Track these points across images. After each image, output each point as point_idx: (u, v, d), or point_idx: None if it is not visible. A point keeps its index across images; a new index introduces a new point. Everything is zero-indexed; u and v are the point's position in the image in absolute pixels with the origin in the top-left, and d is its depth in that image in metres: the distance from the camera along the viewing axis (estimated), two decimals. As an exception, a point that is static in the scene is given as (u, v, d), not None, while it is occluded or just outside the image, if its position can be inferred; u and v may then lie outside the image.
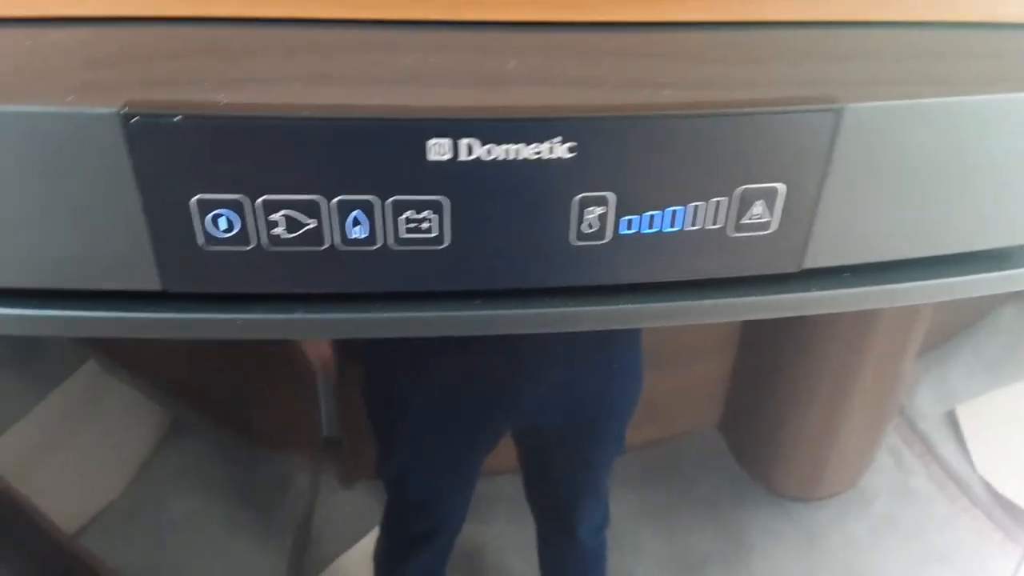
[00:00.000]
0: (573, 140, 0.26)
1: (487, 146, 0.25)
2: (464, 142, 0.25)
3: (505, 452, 0.41)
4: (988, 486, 0.52)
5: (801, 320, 0.38)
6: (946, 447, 0.49)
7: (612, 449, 0.43)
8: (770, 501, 0.48)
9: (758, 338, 0.39)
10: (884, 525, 0.51)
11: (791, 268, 0.30)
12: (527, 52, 0.29)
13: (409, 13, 0.30)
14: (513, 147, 0.26)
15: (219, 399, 0.38)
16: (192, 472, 0.41)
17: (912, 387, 0.45)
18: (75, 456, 0.40)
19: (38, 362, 0.36)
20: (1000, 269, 0.33)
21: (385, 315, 0.29)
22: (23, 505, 0.40)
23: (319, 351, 0.35)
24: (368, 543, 0.44)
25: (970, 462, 0.50)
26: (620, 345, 0.38)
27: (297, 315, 0.28)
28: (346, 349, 0.36)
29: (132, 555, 0.44)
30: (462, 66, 0.29)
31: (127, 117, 0.24)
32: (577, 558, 0.48)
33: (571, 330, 0.32)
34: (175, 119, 0.24)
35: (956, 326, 0.42)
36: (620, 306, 0.30)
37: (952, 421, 0.48)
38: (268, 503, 0.43)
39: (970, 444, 0.49)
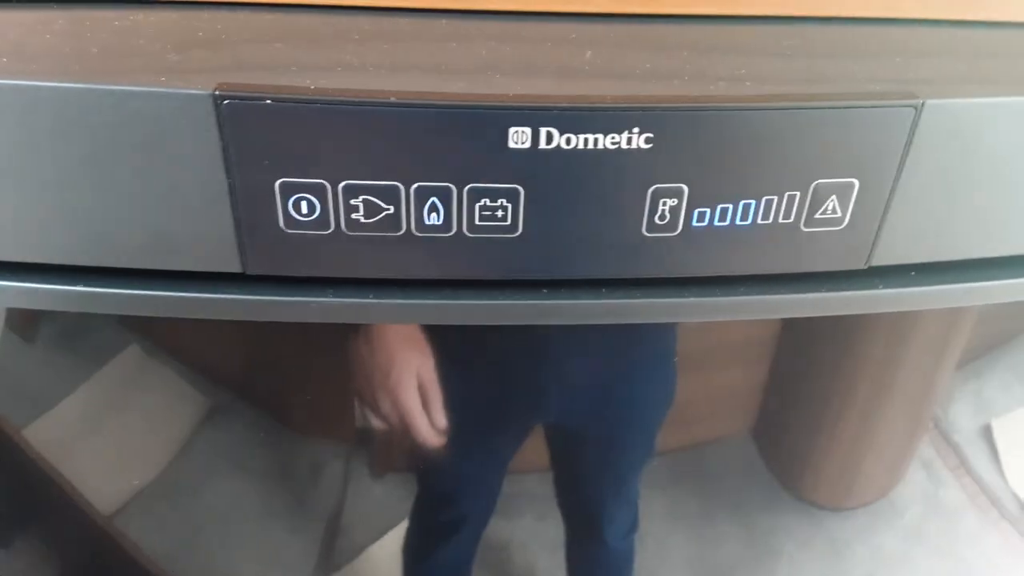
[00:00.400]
0: (651, 131, 0.26)
1: (566, 135, 0.26)
2: (544, 131, 0.25)
3: (535, 450, 0.41)
4: (1020, 501, 0.52)
5: (837, 327, 0.38)
6: (979, 461, 0.48)
7: (642, 452, 0.43)
8: (799, 509, 0.48)
9: (793, 345, 0.38)
10: (913, 537, 0.51)
11: (858, 265, 0.30)
12: (602, 43, 0.29)
13: (480, 4, 0.31)
14: (592, 136, 0.26)
15: (258, 386, 0.39)
16: (228, 457, 0.41)
17: (947, 399, 0.44)
18: (114, 438, 0.40)
19: (81, 344, 0.36)
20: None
21: (455, 302, 0.29)
22: (62, 484, 0.40)
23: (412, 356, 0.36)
24: (398, 534, 0.44)
25: (1003, 476, 0.50)
26: (654, 348, 0.38)
27: (370, 299, 0.29)
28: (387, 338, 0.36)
29: (167, 537, 0.44)
30: (537, 56, 0.29)
31: (220, 98, 0.24)
32: (605, 562, 0.48)
33: (636, 322, 0.32)
34: (266, 102, 0.24)
35: (993, 339, 0.42)
36: (687, 299, 0.31)
37: (987, 435, 0.48)
38: (302, 490, 0.43)
39: (1004, 458, 0.49)
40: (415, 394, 0.36)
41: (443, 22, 0.30)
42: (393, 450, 0.41)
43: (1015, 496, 0.51)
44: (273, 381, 0.39)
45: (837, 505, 0.49)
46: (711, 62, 0.29)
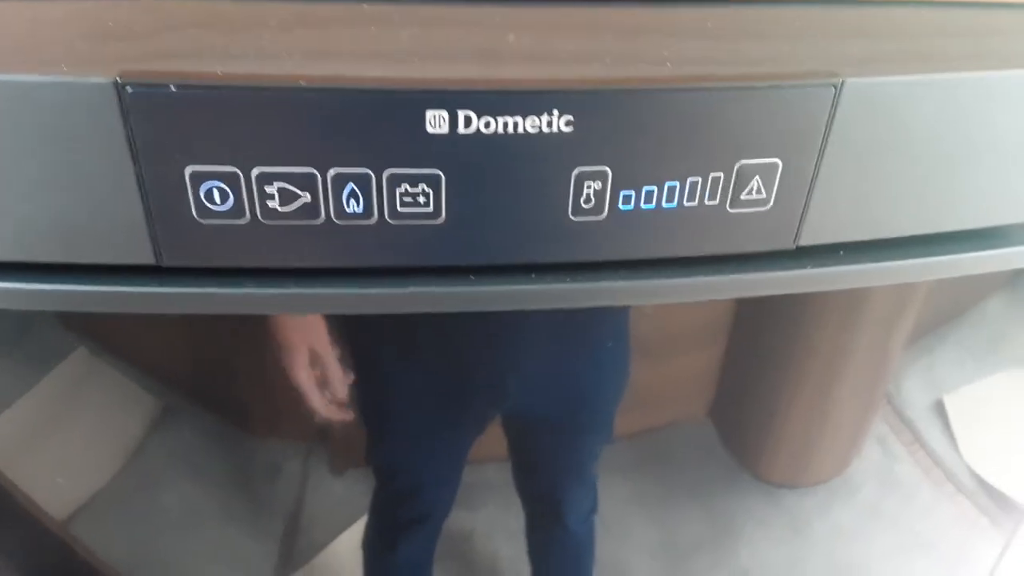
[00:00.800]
0: (572, 113, 0.26)
1: (485, 118, 0.25)
2: (462, 114, 0.25)
3: (494, 440, 0.41)
4: (974, 474, 0.53)
5: (789, 308, 0.38)
6: (933, 435, 0.49)
7: (600, 436, 0.43)
8: (758, 488, 0.48)
9: (747, 326, 0.39)
10: (870, 512, 0.52)
11: (786, 245, 0.30)
12: (526, 26, 0.29)
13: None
14: (512, 119, 0.25)
15: (211, 386, 0.38)
16: (183, 459, 0.41)
17: (899, 376, 0.45)
18: (66, 442, 0.40)
19: (28, 347, 0.35)
20: (996, 247, 0.33)
21: (379, 291, 0.29)
22: (14, 491, 0.39)
23: (306, 335, 0.35)
24: (358, 530, 0.44)
25: (957, 450, 0.51)
26: (607, 330, 0.38)
27: (291, 290, 0.28)
28: (334, 327, 0.35)
29: (123, 541, 0.44)
30: (459, 40, 0.28)
31: (122, 86, 0.23)
32: (565, 545, 0.48)
33: (566, 306, 0.32)
34: (171, 89, 0.23)
35: (944, 316, 0.42)
36: (616, 283, 0.30)
37: (939, 410, 0.48)
38: (259, 490, 0.43)
39: (957, 432, 0.50)
40: (307, 373, 0.35)
41: (365, 7, 0.30)
42: (352, 448, 0.41)
43: (969, 470, 0.52)
44: (224, 380, 0.38)
45: (795, 483, 0.49)
46: (634, 44, 0.29)
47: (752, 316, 0.38)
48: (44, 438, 0.39)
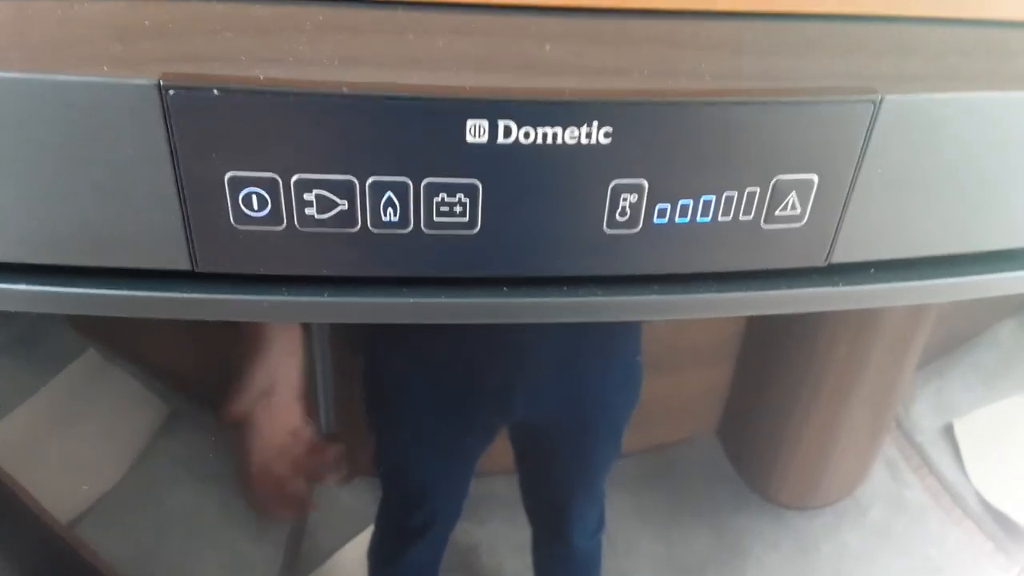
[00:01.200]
0: (610, 125, 0.26)
1: (525, 128, 0.25)
2: (503, 124, 0.25)
3: (502, 453, 0.41)
4: (983, 499, 0.53)
5: (801, 328, 0.38)
6: (942, 460, 0.49)
7: (608, 451, 0.43)
8: (766, 509, 0.48)
9: (758, 345, 0.39)
10: (878, 535, 0.52)
11: (818, 262, 0.30)
12: (562, 37, 0.29)
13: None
14: (551, 130, 0.25)
15: (217, 391, 0.38)
16: (189, 463, 0.41)
17: (909, 399, 0.45)
18: (73, 444, 0.40)
19: (38, 349, 0.35)
20: (1024, 269, 0.33)
21: (411, 300, 0.29)
22: (20, 492, 0.39)
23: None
24: (364, 539, 0.44)
25: (965, 475, 0.51)
26: (619, 345, 0.38)
27: (324, 298, 0.28)
28: (347, 337, 0.35)
29: (128, 545, 0.43)
30: (497, 49, 0.28)
31: (165, 88, 0.23)
32: (571, 561, 0.48)
33: (596, 320, 0.31)
34: (214, 92, 0.23)
35: (954, 340, 0.42)
36: (647, 297, 0.30)
37: (949, 434, 0.48)
38: None
39: (966, 457, 0.50)
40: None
41: (400, 13, 0.30)
42: (359, 456, 0.41)
43: (978, 495, 0.52)
44: (231, 385, 0.38)
45: (803, 505, 0.49)
46: (672, 57, 0.29)
47: (764, 336, 0.38)
48: (51, 440, 0.39)
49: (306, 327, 0.33)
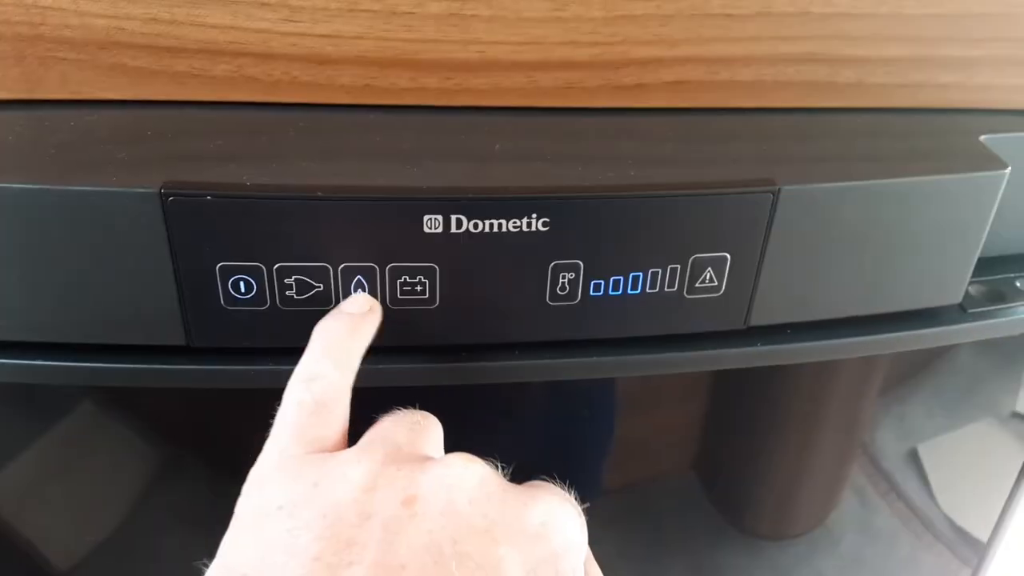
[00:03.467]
0: (547, 216, 0.30)
1: (474, 220, 0.30)
2: (454, 217, 0.29)
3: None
4: (951, 522, 0.55)
5: (760, 371, 0.42)
6: (908, 484, 0.51)
7: (588, 491, 0.45)
8: (742, 541, 0.50)
9: (725, 385, 0.42)
10: (852, 563, 0.54)
11: (738, 325, 0.34)
12: (511, 134, 0.33)
13: (406, 99, 0.35)
14: (496, 221, 0.30)
15: (211, 442, 0.41)
16: (182, 513, 0.43)
17: (874, 427, 0.48)
18: (70, 493, 0.41)
19: (36, 400, 0.37)
20: (928, 327, 0.37)
21: (379, 367, 0.33)
22: (19, 540, 0.41)
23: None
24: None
25: (933, 499, 0.53)
26: (588, 392, 0.41)
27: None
28: None
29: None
30: (454, 146, 0.33)
31: (166, 195, 0.27)
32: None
33: (547, 379, 0.35)
34: (207, 198, 0.28)
35: (915, 367, 0.45)
36: (590, 359, 0.34)
37: (914, 459, 0.50)
38: None
39: (933, 481, 0.52)
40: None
41: (370, 116, 0.34)
42: None
43: (945, 516, 0.54)
44: (225, 437, 0.41)
45: (778, 536, 0.52)
46: (604, 148, 0.33)
47: (728, 378, 0.41)
48: (49, 488, 0.41)
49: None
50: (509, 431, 0.42)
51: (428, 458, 0.25)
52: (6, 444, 0.38)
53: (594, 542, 0.47)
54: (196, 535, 0.43)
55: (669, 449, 0.46)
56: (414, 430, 0.27)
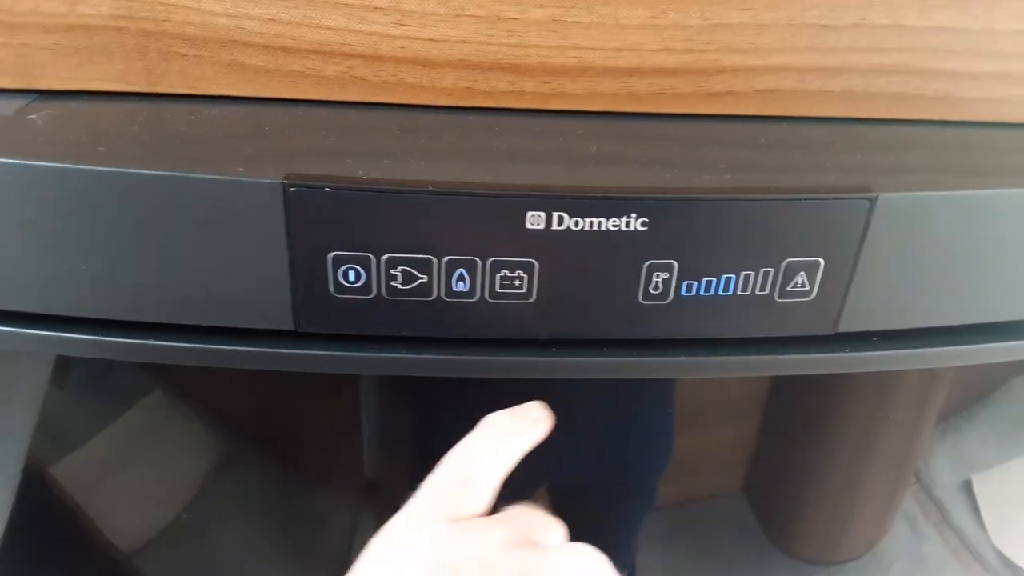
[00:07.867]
0: (646, 216, 0.31)
1: (575, 218, 0.30)
2: (556, 214, 0.30)
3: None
4: (1001, 555, 0.54)
5: (823, 388, 0.42)
6: (960, 515, 0.51)
7: (642, 503, 0.46)
8: (789, 564, 0.50)
9: (781, 405, 0.42)
10: None
11: (827, 331, 0.35)
12: (605, 137, 0.34)
13: (504, 102, 0.36)
14: (596, 220, 0.31)
15: (271, 435, 0.42)
16: (242, 501, 0.44)
17: (928, 455, 0.47)
18: (136, 479, 0.43)
19: (108, 388, 0.39)
20: (1015, 339, 0.37)
21: (476, 357, 0.34)
22: (84, 521, 0.43)
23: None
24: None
25: (984, 531, 0.52)
26: (653, 400, 0.41)
27: (404, 355, 0.33)
28: (399, 393, 0.39)
29: None
30: (551, 147, 0.34)
31: (287, 186, 0.29)
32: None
33: (632, 377, 0.36)
34: (325, 189, 0.29)
35: (971, 396, 0.45)
36: (676, 359, 0.35)
37: (967, 490, 0.50)
38: (310, 538, 0.46)
39: (984, 513, 0.51)
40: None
41: (470, 117, 0.36)
42: (400, 504, 0.45)
43: (995, 549, 0.53)
44: (286, 430, 0.42)
45: (825, 560, 0.51)
46: (699, 154, 0.34)
47: (787, 395, 0.41)
48: (117, 473, 0.42)
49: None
50: (565, 437, 0.42)
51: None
52: (82, 425, 0.40)
53: (642, 557, 0.48)
54: (259, 525, 0.45)
55: (722, 467, 0.46)
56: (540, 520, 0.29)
